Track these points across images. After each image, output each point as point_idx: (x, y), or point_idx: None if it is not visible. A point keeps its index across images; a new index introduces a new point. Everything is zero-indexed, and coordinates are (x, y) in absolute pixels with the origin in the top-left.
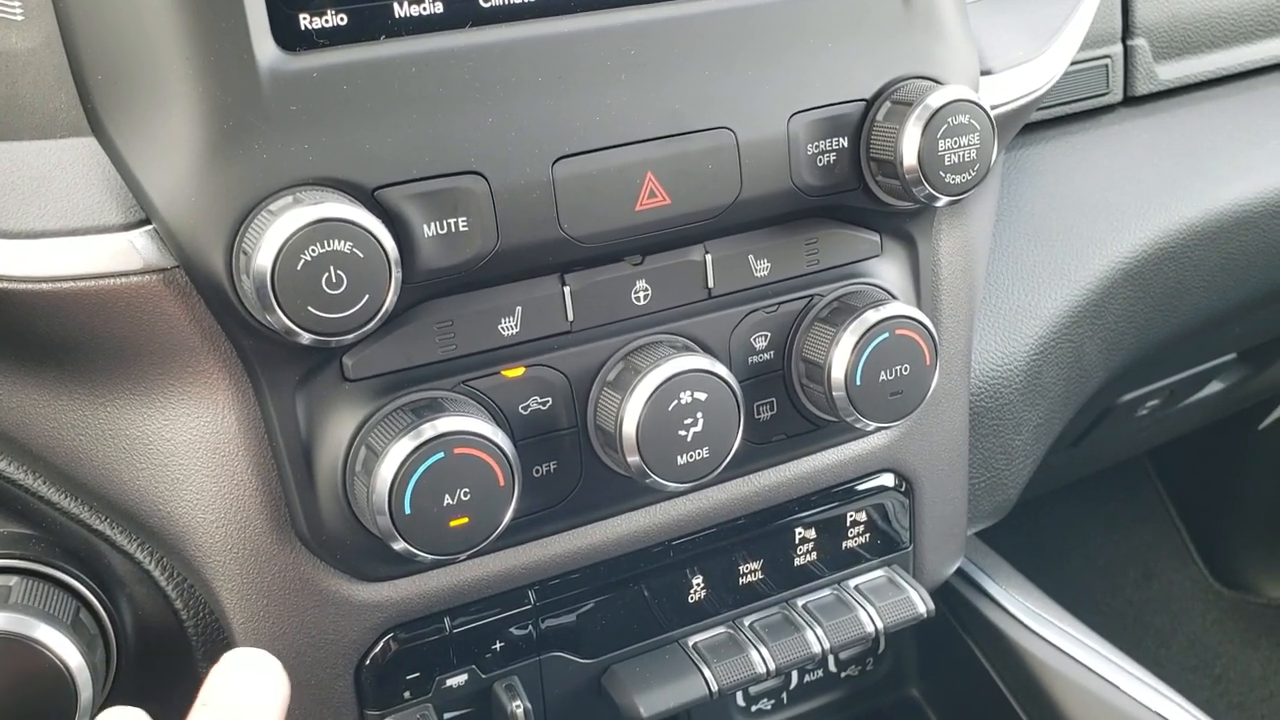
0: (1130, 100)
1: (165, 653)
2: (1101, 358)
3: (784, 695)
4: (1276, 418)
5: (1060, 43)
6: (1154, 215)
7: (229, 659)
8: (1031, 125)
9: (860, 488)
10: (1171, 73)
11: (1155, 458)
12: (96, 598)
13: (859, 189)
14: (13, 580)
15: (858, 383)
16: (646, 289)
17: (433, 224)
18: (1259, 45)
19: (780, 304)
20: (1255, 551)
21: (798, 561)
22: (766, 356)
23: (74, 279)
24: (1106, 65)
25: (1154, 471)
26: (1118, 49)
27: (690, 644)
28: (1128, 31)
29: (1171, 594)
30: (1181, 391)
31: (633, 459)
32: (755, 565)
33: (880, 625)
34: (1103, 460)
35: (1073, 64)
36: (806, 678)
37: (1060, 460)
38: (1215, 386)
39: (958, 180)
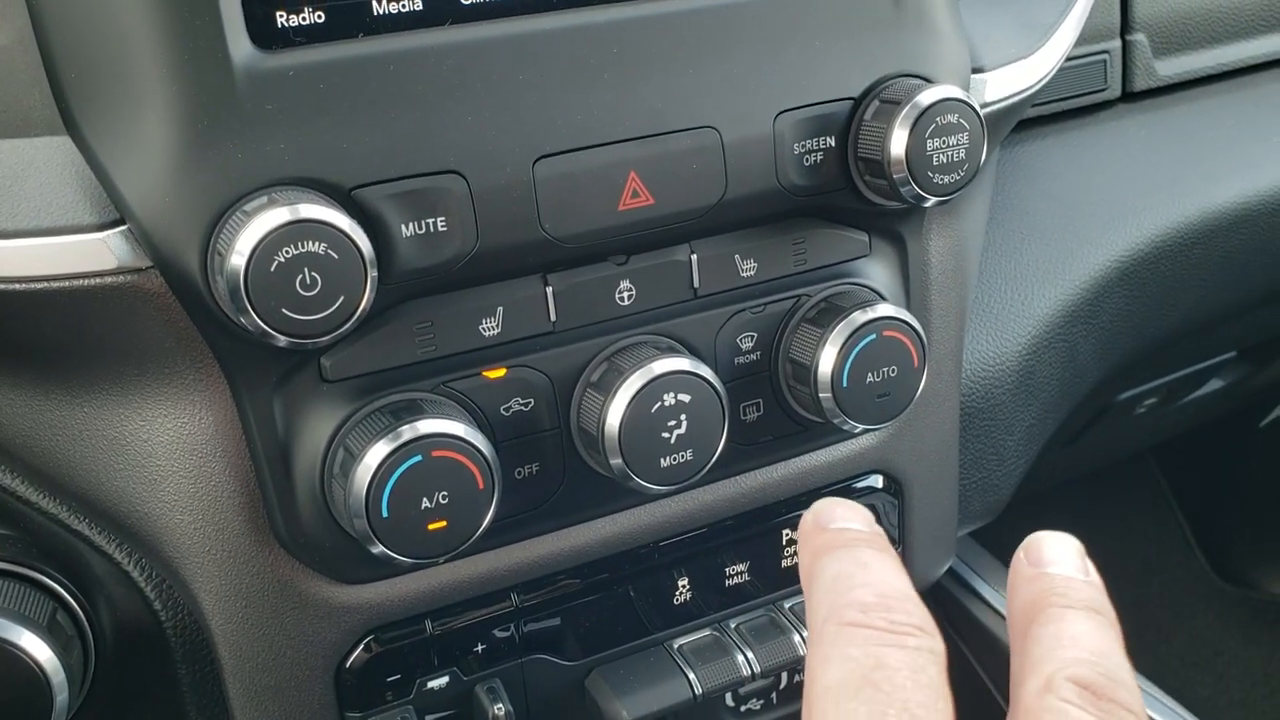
0: (1129, 96)
1: (144, 654)
2: (1096, 357)
3: (774, 695)
4: (1277, 415)
5: (1054, 40)
6: (1151, 213)
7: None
8: (1028, 121)
9: (849, 489)
10: (1171, 69)
11: (1158, 453)
12: (74, 599)
13: (847, 189)
14: None
15: (844, 384)
16: (630, 289)
17: (411, 224)
18: (1259, 41)
19: (767, 304)
20: (1257, 547)
21: (785, 563)
22: (753, 357)
23: (47, 279)
24: (1105, 61)
25: (1157, 467)
26: (1116, 44)
27: (675, 646)
28: (1127, 26)
29: (1173, 589)
30: (1180, 390)
31: (615, 461)
32: (742, 567)
33: None
34: (1101, 458)
35: (1070, 59)
36: (797, 678)
37: (1057, 458)
38: (1215, 384)
39: (946, 180)
